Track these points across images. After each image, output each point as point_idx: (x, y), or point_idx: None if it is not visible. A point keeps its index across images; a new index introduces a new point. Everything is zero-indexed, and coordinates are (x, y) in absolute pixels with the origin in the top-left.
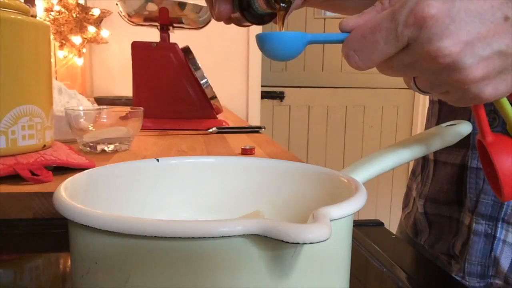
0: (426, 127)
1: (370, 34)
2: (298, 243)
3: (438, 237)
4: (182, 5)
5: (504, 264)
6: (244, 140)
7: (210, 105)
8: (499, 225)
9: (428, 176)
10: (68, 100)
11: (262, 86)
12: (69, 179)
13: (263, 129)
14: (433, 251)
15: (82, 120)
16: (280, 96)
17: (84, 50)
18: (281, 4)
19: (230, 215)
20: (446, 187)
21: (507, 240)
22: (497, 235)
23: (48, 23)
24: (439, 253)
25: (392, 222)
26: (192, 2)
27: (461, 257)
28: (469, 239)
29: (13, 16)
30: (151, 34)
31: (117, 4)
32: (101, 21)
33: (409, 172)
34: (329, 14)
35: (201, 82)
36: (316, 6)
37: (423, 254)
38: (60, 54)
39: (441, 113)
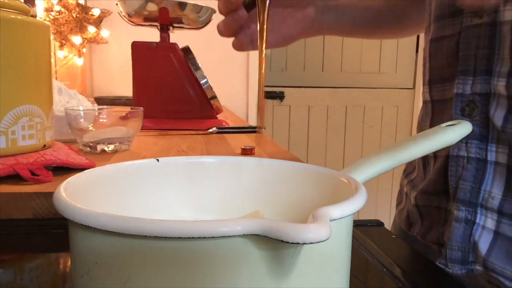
0: (420, 127)
1: None
2: (298, 243)
3: (429, 227)
4: (182, 5)
5: (483, 248)
6: (244, 140)
7: (210, 105)
8: (478, 211)
9: (419, 169)
10: (68, 100)
11: None
12: (69, 179)
13: (263, 129)
14: (425, 242)
15: (82, 120)
16: (280, 96)
17: (84, 50)
18: None
19: (230, 215)
20: (434, 178)
21: (486, 225)
22: (477, 221)
23: (48, 23)
24: (431, 243)
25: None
26: (192, 2)
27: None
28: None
29: (13, 16)
30: (151, 34)
31: (117, 4)
32: (101, 21)
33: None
34: None
35: (201, 82)
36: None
37: (423, 254)
38: (60, 54)
39: (434, 110)
